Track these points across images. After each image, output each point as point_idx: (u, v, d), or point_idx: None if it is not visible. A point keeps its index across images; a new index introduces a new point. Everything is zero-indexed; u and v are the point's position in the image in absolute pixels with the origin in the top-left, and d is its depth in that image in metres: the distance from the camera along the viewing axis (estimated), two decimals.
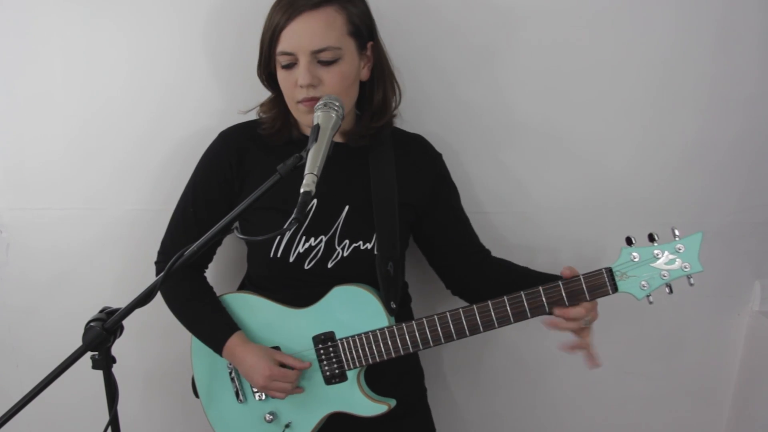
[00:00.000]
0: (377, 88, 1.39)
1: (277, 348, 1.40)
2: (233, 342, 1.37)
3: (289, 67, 1.27)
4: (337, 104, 1.19)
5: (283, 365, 1.36)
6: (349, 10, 1.28)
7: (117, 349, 1.10)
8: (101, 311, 1.11)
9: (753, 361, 1.79)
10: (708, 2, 1.57)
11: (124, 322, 1.09)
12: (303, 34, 1.24)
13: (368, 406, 1.37)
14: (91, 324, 1.07)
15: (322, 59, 1.25)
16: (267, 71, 1.34)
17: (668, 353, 1.82)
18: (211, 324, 1.41)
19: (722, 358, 1.83)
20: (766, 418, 1.74)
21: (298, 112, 1.32)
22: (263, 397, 1.42)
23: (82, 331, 1.07)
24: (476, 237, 1.54)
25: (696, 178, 1.69)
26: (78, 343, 1.06)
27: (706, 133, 1.66)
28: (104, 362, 1.09)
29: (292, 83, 1.27)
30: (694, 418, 1.88)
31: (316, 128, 1.13)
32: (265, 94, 1.42)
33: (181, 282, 1.45)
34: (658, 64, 1.62)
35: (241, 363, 1.37)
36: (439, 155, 1.50)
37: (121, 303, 1.10)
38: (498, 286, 1.33)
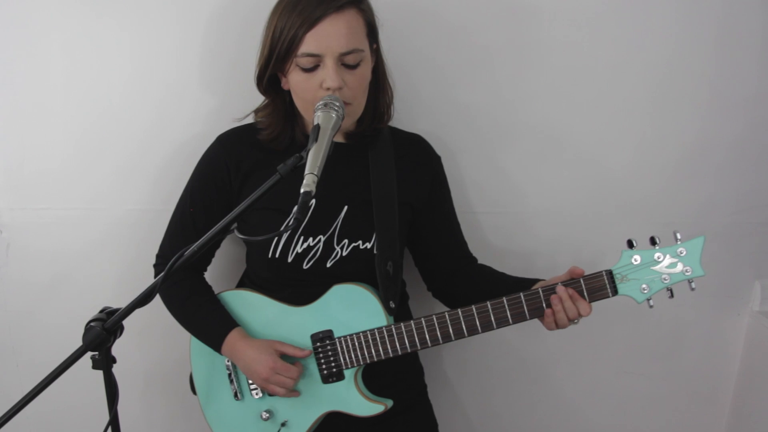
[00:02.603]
0: (381, 90, 1.39)
1: None
2: (233, 338, 1.37)
3: (310, 69, 1.26)
4: (337, 104, 1.19)
5: (284, 357, 1.36)
6: (365, 11, 1.29)
7: (117, 349, 1.10)
8: (101, 311, 1.11)
9: (753, 361, 1.79)
10: (708, 3, 1.57)
11: (125, 322, 1.09)
12: (331, 36, 1.23)
13: (364, 405, 1.37)
14: (91, 324, 1.07)
15: (346, 62, 1.25)
16: (271, 74, 1.33)
17: (668, 353, 1.82)
18: (209, 322, 1.41)
19: (722, 358, 1.83)
20: (766, 418, 1.74)
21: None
22: (260, 394, 1.42)
23: (82, 331, 1.07)
24: (465, 243, 1.55)
25: (696, 179, 1.69)
26: (78, 343, 1.06)
27: (706, 134, 1.66)
28: (104, 362, 1.09)
29: (315, 85, 1.26)
30: (694, 418, 1.88)
31: (316, 128, 1.14)
32: None
33: (179, 283, 1.45)
34: (659, 64, 1.62)
35: (242, 358, 1.36)
36: (439, 157, 1.51)
37: (121, 303, 1.10)
38: (480, 293, 1.33)
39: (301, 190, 1.04)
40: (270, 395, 1.41)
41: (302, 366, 1.37)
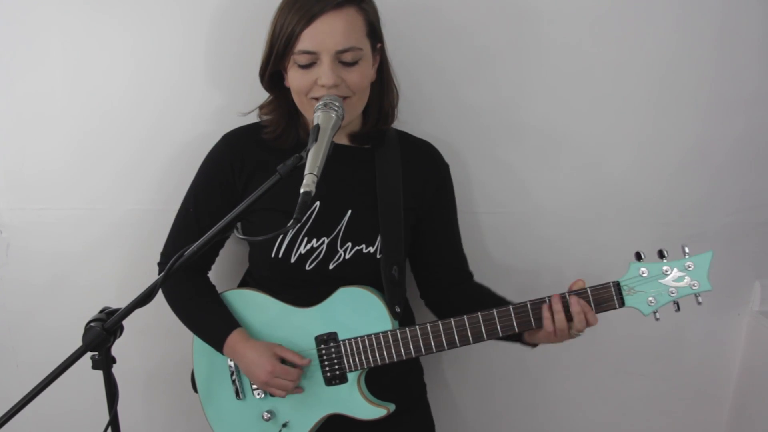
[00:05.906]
0: (386, 91, 1.39)
1: None
2: (234, 339, 1.37)
3: (307, 66, 1.26)
4: (337, 104, 1.19)
5: (284, 361, 1.35)
6: (367, 11, 1.29)
7: (117, 349, 1.10)
8: (101, 311, 1.11)
9: (753, 361, 1.79)
10: (709, 3, 1.57)
11: (125, 323, 1.09)
12: (328, 34, 1.22)
13: (367, 409, 1.37)
14: (91, 324, 1.07)
15: (344, 60, 1.24)
16: (272, 71, 1.33)
17: (668, 353, 1.82)
18: (211, 322, 1.41)
19: (722, 358, 1.83)
20: (766, 418, 1.74)
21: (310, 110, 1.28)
22: (262, 395, 1.42)
23: (82, 331, 1.07)
24: (464, 257, 1.53)
25: (697, 179, 1.69)
26: (78, 343, 1.06)
27: (707, 134, 1.66)
28: (104, 362, 1.09)
29: (310, 82, 1.26)
30: (694, 418, 1.88)
31: (316, 128, 1.14)
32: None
33: (182, 282, 1.45)
34: (659, 64, 1.61)
35: (242, 359, 1.36)
36: (447, 165, 1.49)
37: (121, 303, 1.10)
38: (472, 310, 1.31)
39: (301, 190, 1.04)
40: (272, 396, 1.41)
41: (302, 369, 1.36)
